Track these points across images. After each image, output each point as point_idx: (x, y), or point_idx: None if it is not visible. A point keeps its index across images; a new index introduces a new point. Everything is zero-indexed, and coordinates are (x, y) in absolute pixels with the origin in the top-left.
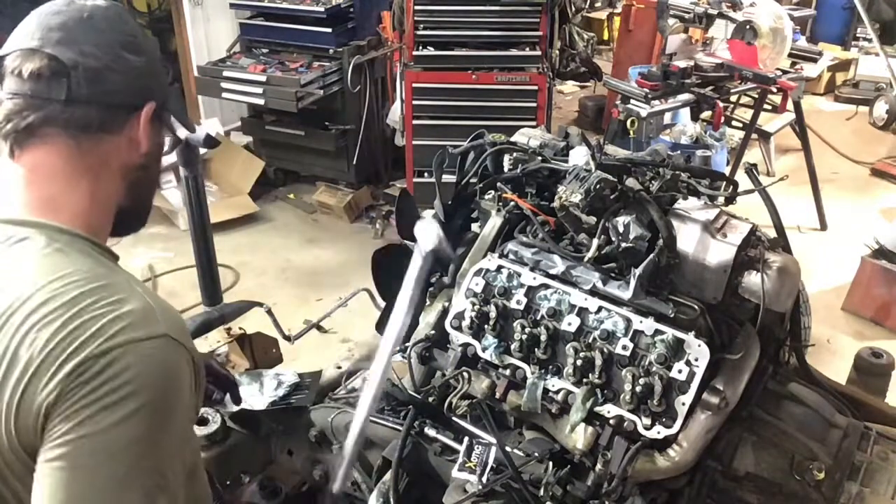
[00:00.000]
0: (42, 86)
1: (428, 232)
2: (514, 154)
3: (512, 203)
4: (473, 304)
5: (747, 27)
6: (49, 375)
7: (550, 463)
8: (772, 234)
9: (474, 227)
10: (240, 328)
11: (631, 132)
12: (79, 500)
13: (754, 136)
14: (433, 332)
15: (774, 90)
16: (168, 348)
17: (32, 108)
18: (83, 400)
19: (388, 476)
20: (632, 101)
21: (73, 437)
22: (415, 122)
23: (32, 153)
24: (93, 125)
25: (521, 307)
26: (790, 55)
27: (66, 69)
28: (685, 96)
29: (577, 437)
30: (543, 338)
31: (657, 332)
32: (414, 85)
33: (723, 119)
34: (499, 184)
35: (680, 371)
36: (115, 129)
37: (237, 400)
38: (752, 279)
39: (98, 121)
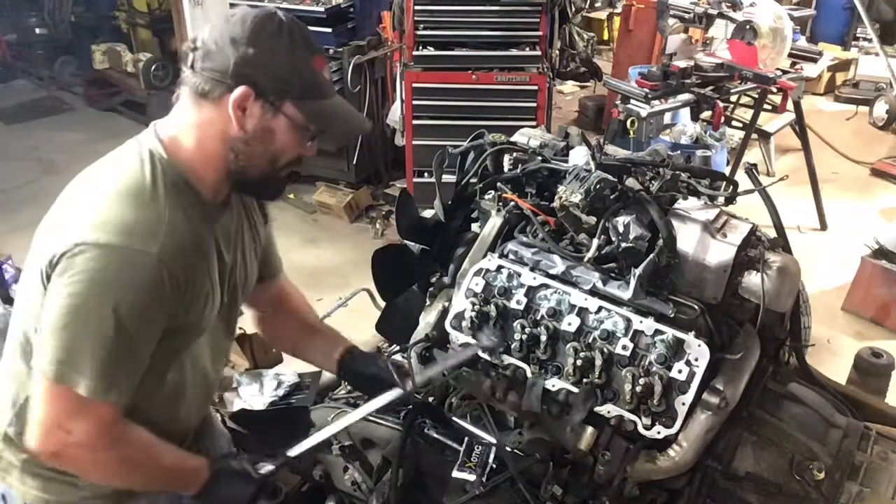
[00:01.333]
0: (186, 55)
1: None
2: (514, 154)
3: (512, 203)
4: (473, 304)
5: (747, 27)
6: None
7: (550, 463)
8: (772, 234)
9: (474, 227)
10: (240, 328)
11: (631, 132)
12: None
13: (754, 136)
14: (433, 332)
15: (774, 90)
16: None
17: (184, 68)
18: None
19: (388, 476)
20: (632, 101)
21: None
22: (415, 122)
23: (180, 99)
24: (199, 91)
25: (521, 307)
26: (790, 55)
27: (194, 46)
28: (685, 96)
29: (577, 437)
30: (543, 338)
31: (657, 332)
32: (414, 85)
33: (723, 119)
34: (499, 184)
35: (680, 371)
36: (215, 98)
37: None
38: (752, 279)
39: (203, 88)
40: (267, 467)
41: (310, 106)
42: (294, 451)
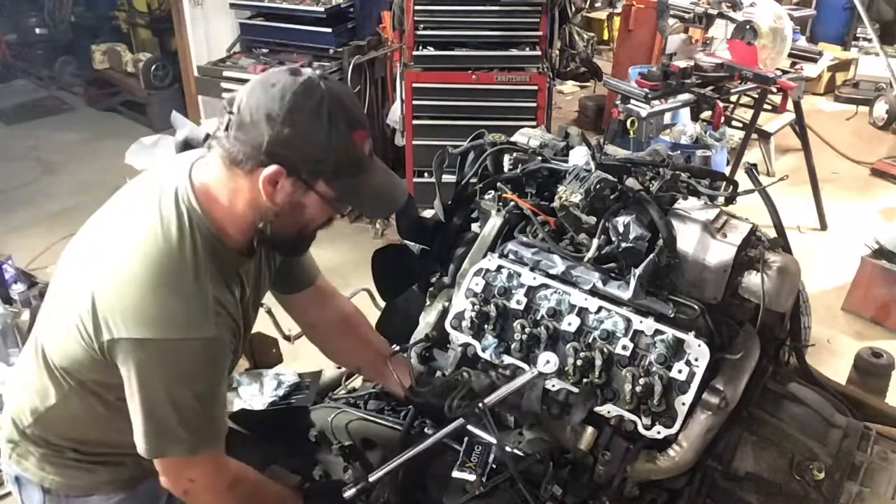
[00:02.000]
0: (223, 113)
1: None
2: (514, 154)
3: (512, 203)
4: (473, 304)
5: (747, 27)
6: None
7: (550, 463)
8: (772, 234)
9: (474, 227)
10: None
11: (631, 132)
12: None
13: (754, 136)
14: (433, 332)
15: (774, 90)
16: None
17: (220, 127)
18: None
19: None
20: (632, 101)
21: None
22: (415, 122)
23: (212, 153)
24: (231, 158)
25: (521, 307)
26: (790, 55)
27: (230, 110)
28: (685, 96)
29: (577, 437)
30: (543, 338)
31: (657, 332)
32: (414, 85)
33: (723, 119)
34: (499, 184)
35: (680, 371)
36: (246, 170)
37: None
38: (752, 279)
39: (234, 157)
40: (350, 491)
41: (343, 184)
42: (374, 476)
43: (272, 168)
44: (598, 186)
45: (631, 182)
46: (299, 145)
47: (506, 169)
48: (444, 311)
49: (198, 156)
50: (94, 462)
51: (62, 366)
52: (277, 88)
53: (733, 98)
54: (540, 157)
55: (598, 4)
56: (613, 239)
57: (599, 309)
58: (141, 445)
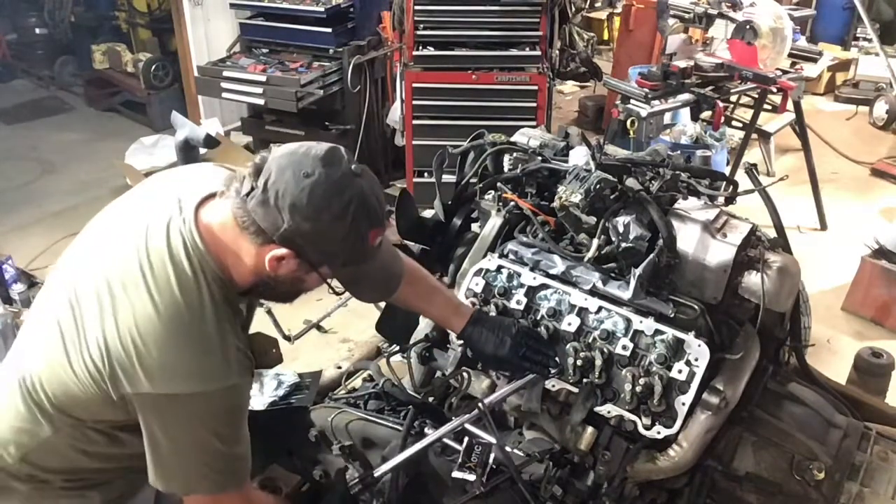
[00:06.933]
0: (247, 176)
1: None
2: (514, 154)
3: (512, 203)
4: (473, 304)
5: (747, 27)
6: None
7: (550, 463)
8: (772, 234)
9: (474, 227)
10: None
11: (631, 132)
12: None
13: (754, 136)
14: (433, 332)
15: (774, 90)
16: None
17: (237, 180)
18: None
19: (388, 476)
20: (632, 101)
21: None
22: (415, 122)
23: (225, 203)
24: (243, 225)
25: (521, 307)
26: (790, 55)
27: (255, 180)
28: (685, 96)
29: (578, 437)
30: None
31: (657, 332)
32: (414, 85)
33: (723, 119)
34: (499, 184)
35: (680, 371)
36: (252, 240)
37: None
38: (752, 279)
39: (245, 226)
40: (358, 486)
41: (346, 271)
42: (379, 472)
43: (283, 250)
44: (598, 186)
45: (631, 182)
46: (316, 239)
47: (506, 169)
48: None
49: (203, 193)
50: (84, 487)
51: (59, 405)
52: (309, 182)
53: (733, 98)
54: (540, 157)
55: (598, 4)
56: (613, 239)
57: (599, 309)
58: (164, 483)
